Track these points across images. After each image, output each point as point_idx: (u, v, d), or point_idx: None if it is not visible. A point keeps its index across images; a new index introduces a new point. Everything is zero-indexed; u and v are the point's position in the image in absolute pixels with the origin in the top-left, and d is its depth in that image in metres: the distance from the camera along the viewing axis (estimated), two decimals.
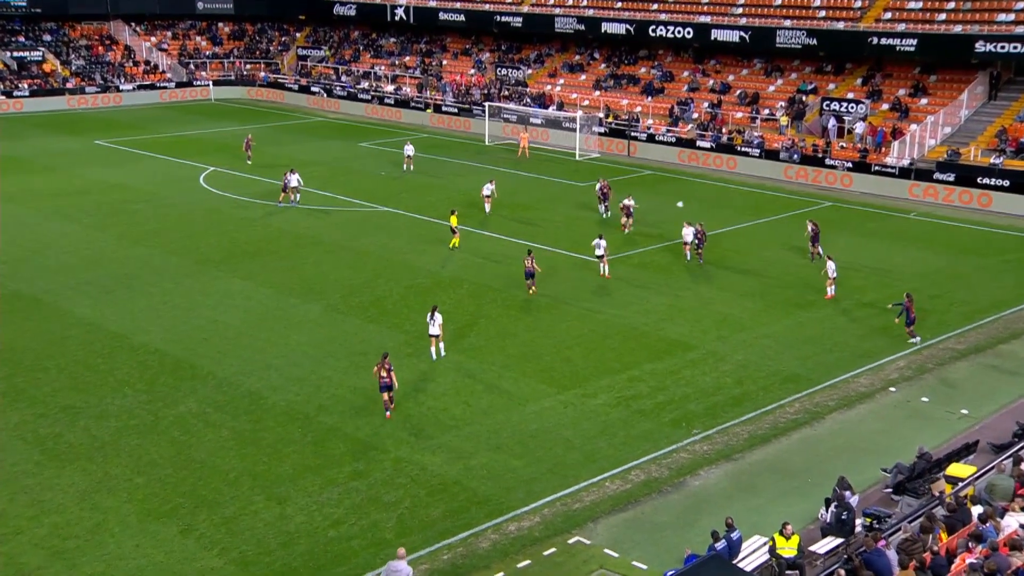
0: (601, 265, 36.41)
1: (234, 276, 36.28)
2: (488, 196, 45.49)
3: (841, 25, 59.51)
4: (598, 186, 46.02)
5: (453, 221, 39.76)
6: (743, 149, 57.44)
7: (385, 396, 25.17)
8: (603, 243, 36.22)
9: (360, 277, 36.40)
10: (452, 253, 39.28)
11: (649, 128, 62.23)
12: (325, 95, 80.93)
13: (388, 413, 25.21)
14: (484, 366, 28.52)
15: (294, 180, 46.88)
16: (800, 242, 40.36)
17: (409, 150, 56.27)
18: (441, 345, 28.98)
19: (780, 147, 56.36)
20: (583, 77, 72.13)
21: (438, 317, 28.52)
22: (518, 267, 36.05)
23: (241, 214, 45.57)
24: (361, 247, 40.34)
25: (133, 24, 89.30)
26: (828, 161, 54.37)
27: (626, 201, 42.66)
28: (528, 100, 69.45)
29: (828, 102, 57.93)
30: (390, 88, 78.57)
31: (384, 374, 24.97)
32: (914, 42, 54.97)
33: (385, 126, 72.79)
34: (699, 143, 59.39)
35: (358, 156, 61.14)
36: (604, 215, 45.28)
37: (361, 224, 44.14)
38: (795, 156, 55.31)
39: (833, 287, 34.50)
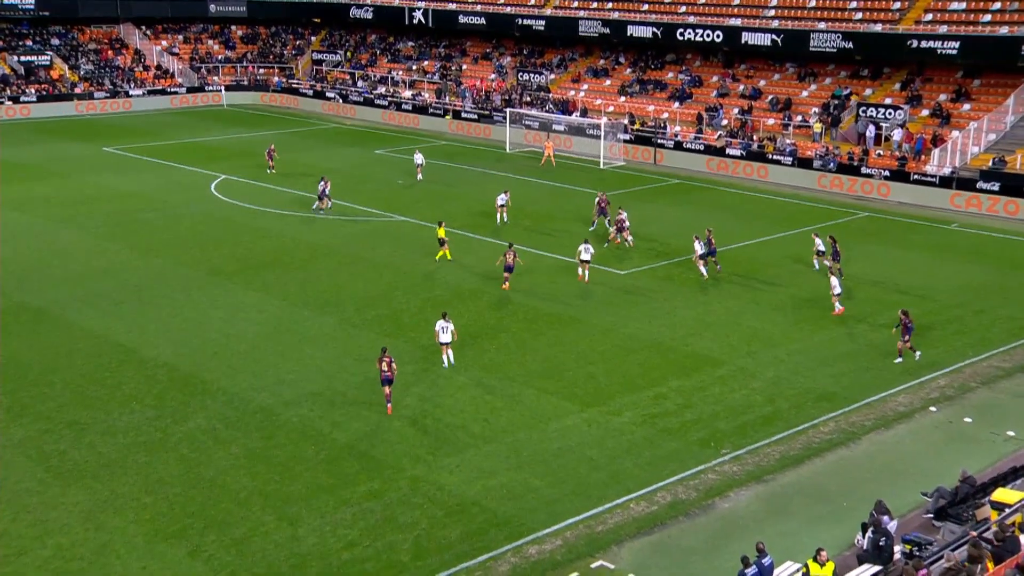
0: (581, 269, 36.50)
1: (246, 288, 35.89)
2: (502, 206, 45.40)
3: (879, 27, 58.49)
4: (596, 199, 45.47)
5: (440, 233, 39.24)
6: (775, 157, 56.56)
7: (386, 390, 25.66)
8: (590, 248, 36.41)
9: (376, 289, 35.96)
10: (453, 265, 38.58)
11: (676, 135, 61.49)
12: (341, 101, 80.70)
13: (390, 407, 25.63)
14: (504, 381, 28.02)
15: (327, 188, 46.95)
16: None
17: (419, 158, 55.67)
18: (451, 353, 28.67)
19: (814, 155, 55.51)
20: (608, 82, 71.45)
21: (450, 324, 28.23)
22: (539, 279, 35.59)
23: (254, 223, 45.22)
24: (377, 258, 39.88)
25: (144, 27, 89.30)
26: (864, 170, 53.33)
27: (620, 215, 42.07)
28: (551, 106, 68.89)
29: (865, 108, 56.90)
30: (408, 93, 78.18)
31: (385, 367, 25.38)
32: (956, 45, 53.73)
33: (402, 133, 72.52)
34: (728, 151, 58.58)
35: (374, 163, 60.84)
36: (594, 228, 44.58)
37: (376, 234, 43.71)
38: (830, 164, 54.36)
39: (838, 303, 33.54)
